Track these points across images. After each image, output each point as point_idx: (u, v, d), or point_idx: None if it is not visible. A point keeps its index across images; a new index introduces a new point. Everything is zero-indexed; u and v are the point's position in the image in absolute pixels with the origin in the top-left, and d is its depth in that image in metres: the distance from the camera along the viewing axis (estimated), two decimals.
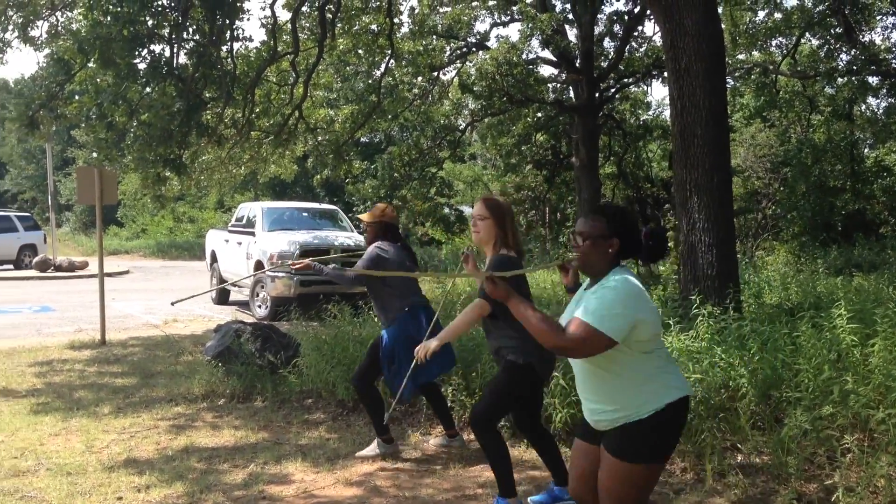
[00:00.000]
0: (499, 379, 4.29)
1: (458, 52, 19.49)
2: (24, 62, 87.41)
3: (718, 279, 7.00)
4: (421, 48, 16.98)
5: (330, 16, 13.49)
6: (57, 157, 36.01)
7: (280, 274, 12.02)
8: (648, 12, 16.66)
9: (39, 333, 11.36)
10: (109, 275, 12.87)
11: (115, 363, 8.89)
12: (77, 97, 12.14)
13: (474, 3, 19.18)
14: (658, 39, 18.60)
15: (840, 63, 18.71)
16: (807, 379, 4.64)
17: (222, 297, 15.02)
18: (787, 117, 22.07)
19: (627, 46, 18.71)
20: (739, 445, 4.76)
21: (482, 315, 4.24)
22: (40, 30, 11.81)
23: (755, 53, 20.40)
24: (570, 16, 18.97)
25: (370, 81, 17.85)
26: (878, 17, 19.08)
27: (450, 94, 20.53)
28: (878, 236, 17.94)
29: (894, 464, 3.98)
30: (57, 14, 12.08)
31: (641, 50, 19.21)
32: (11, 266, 23.56)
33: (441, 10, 18.73)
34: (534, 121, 21.54)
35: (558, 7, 19.11)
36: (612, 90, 20.08)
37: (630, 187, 22.62)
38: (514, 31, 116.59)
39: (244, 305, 13.98)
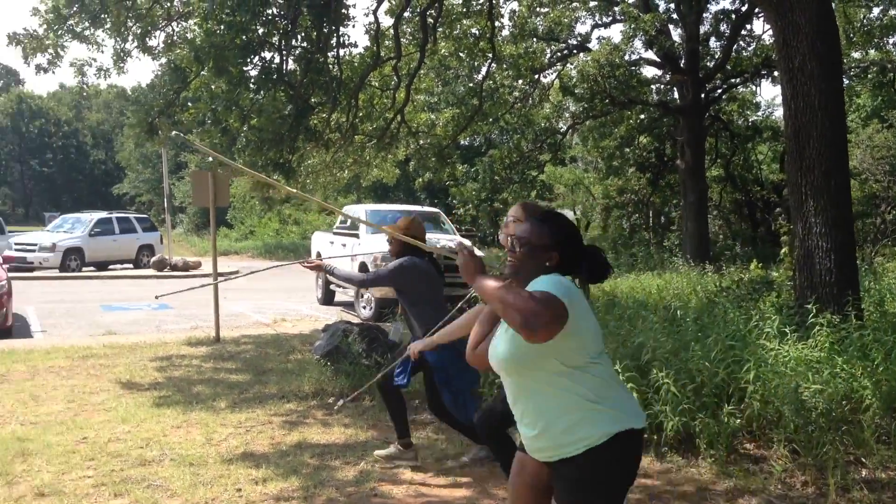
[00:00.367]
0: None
1: (559, 54, 19.41)
2: (139, 71, 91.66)
3: (837, 286, 6.72)
4: (522, 51, 16.99)
5: (431, 20, 13.64)
6: (171, 161, 37.58)
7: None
8: (757, 10, 16.17)
9: (158, 330, 11.93)
10: (221, 274, 13.45)
11: (230, 360, 9.24)
12: (190, 104, 12.67)
13: (575, 5, 19.06)
14: (767, 38, 18.06)
15: None
16: None
17: (327, 298, 15.39)
18: None
19: (735, 45, 18.22)
20: (864, 459, 4.58)
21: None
22: (157, 40, 12.38)
23: (871, 52, 19.51)
24: (675, 15, 18.63)
25: (471, 85, 17.99)
26: None
27: (550, 97, 20.46)
28: None
29: None
30: (173, 24, 12.64)
31: (750, 49, 18.67)
32: (131, 265, 24.74)
33: (541, 13, 18.69)
34: (637, 123, 21.23)
35: (662, 7, 18.78)
36: (719, 90, 19.60)
37: (738, 190, 21.99)
38: (615, 32, 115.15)
39: (349, 306, 14.28)
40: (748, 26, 19.05)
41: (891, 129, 20.69)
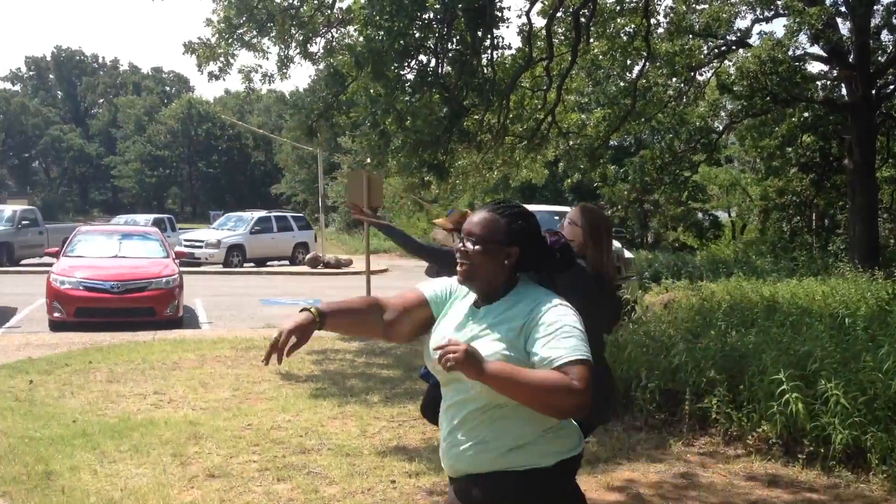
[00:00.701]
0: None
1: (717, 50, 18.70)
2: (297, 76, 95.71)
3: None
4: (677, 48, 16.50)
5: (584, 20, 13.47)
6: (325, 161, 38.99)
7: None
8: None
9: None
10: (372, 272, 13.86)
11: (381, 355, 9.50)
12: (345, 107, 13.08)
13: (734, 0, 18.31)
14: None
15: None
16: None
17: None
18: None
19: None
20: None
21: None
22: (318, 45, 12.88)
23: None
24: (842, 8, 17.56)
25: (623, 84, 17.65)
26: None
27: (706, 95, 19.76)
28: None
29: None
30: (332, 31, 13.12)
31: None
32: (287, 262, 25.89)
33: (698, 8, 18.06)
34: (800, 121, 20.17)
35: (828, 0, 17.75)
36: (891, 87, 18.31)
37: None
38: (778, 27, 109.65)
39: None
40: None
41: None
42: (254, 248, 24.59)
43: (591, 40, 14.62)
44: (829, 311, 8.62)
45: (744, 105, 17.99)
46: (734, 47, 18.57)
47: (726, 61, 18.68)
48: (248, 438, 5.78)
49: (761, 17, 18.72)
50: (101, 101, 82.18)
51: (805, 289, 11.69)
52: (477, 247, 2.28)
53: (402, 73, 11.25)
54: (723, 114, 20.49)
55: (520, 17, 33.72)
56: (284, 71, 12.72)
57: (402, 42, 10.86)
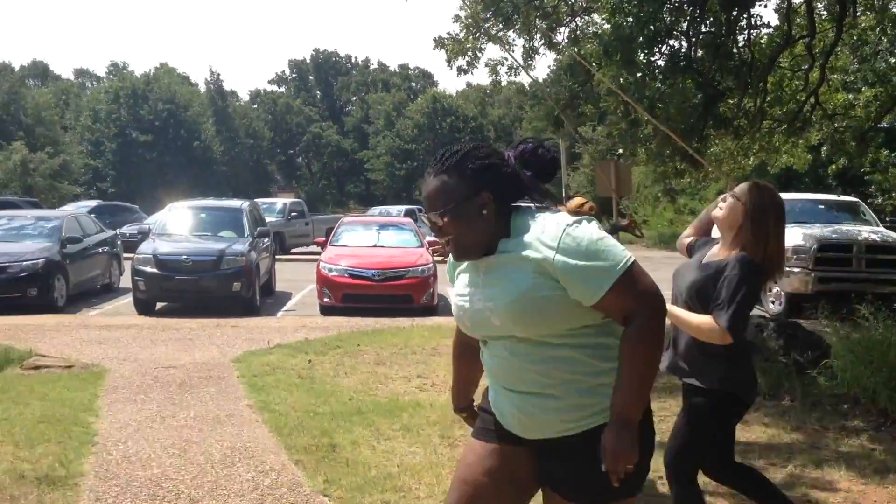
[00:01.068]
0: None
1: None
2: (538, 68, 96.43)
3: None
4: None
5: None
6: (567, 152, 38.96)
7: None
8: None
9: None
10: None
11: None
12: (598, 96, 12.97)
13: None
14: None
15: None
16: None
17: None
18: None
19: None
20: None
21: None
22: (562, 35, 12.90)
23: None
24: None
25: (894, 60, 16.03)
26: None
27: None
28: None
29: None
30: (576, 20, 13.08)
31: None
32: None
33: None
34: None
35: None
36: None
37: None
38: None
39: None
40: None
41: None
42: None
43: (858, 13, 13.43)
44: None
45: None
46: None
47: None
48: None
49: None
50: (354, 98, 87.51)
51: None
52: (445, 218, 2.09)
53: (652, 59, 11.00)
54: None
55: None
56: (529, 62, 12.87)
57: (651, 27, 10.61)
